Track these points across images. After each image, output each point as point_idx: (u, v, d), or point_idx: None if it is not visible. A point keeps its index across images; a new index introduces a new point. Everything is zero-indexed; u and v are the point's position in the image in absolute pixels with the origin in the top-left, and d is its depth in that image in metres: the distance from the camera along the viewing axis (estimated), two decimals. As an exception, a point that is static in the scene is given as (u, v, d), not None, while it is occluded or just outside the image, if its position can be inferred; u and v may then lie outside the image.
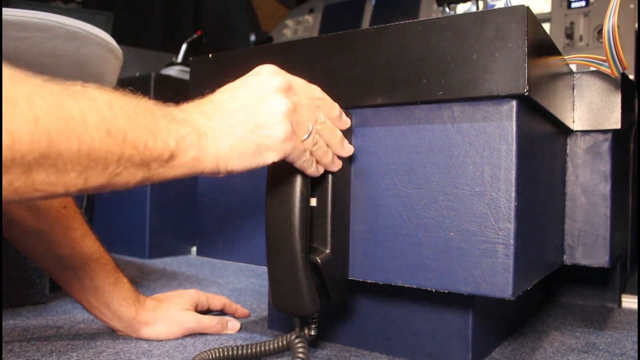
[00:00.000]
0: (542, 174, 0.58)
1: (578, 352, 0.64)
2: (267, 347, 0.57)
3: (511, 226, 0.47)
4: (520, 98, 0.47)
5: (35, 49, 0.55)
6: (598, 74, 0.68)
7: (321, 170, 0.52)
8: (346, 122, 0.54)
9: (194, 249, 1.45)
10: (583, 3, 1.22)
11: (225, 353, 0.56)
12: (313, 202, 0.53)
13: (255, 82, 0.47)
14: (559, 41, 1.21)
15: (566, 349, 0.66)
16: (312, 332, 0.57)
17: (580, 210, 0.71)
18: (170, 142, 0.40)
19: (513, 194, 0.47)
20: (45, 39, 0.55)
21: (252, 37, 1.80)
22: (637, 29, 1.13)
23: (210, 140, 0.43)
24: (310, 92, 0.49)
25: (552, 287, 0.94)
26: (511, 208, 0.47)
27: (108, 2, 1.72)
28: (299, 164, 0.48)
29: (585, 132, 0.70)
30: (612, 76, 0.66)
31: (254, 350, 0.57)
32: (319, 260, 0.52)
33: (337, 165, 0.53)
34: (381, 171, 0.54)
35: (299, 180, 0.50)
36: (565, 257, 0.71)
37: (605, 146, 0.70)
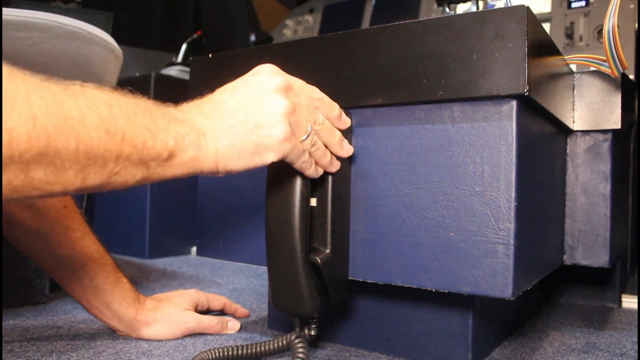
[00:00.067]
0: (542, 174, 0.58)
1: (578, 352, 0.64)
2: (267, 347, 0.57)
3: (511, 226, 0.47)
4: (520, 98, 0.47)
5: (35, 49, 0.55)
6: (598, 74, 0.68)
7: (320, 172, 0.52)
8: (346, 122, 0.54)
9: (194, 249, 1.45)
10: (583, 3, 1.22)
11: (225, 353, 0.56)
12: (313, 202, 0.53)
13: (255, 82, 0.46)
14: (559, 41, 1.21)
15: (566, 349, 0.66)
16: (312, 332, 0.57)
17: (580, 210, 0.71)
18: (169, 141, 0.40)
19: (513, 194, 0.47)
20: (45, 39, 0.55)
21: (252, 37, 1.80)
22: (637, 29, 1.13)
23: (210, 140, 0.43)
24: (309, 93, 0.49)
25: (552, 287, 0.94)
26: (511, 208, 0.47)
27: (108, 2, 1.72)
28: (297, 164, 0.48)
29: (585, 132, 0.70)
30: (612, 76, 0.66)
31: (254, 350, 0.57)
32: (319, 260, 0.52)
33: (335, 167, 0.53)
34: (381, 171, 0.54)
35: (298, 181, 0.50)
36: (565, 257, 0.71)
37: (605, 146, 0.70)
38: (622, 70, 0.64)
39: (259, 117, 0.44)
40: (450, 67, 0.49)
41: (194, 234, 1.17)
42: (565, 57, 0.66)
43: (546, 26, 1.24)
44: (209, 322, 0.68)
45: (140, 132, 0.38)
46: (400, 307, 0.61)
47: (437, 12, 1.36)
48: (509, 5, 0.50)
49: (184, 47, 1.65)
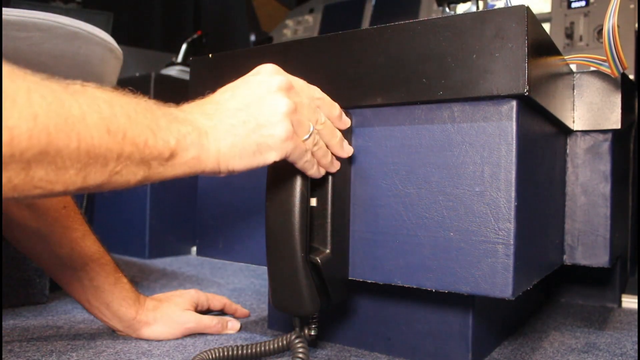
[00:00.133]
0: (542, 174, 0.58)
1: (578, 352, 0.64)
2: (267, 347, 0.57)
3: (511, 226, 0.47)
4: (520, 98, 0.47)
5: (35, 49, 0.55)
6: (598, 74, 0.68)
7: (322, 172, 0.51)
8: (346, 123, 0.54)
9: (194, 249, 1.45)
10: (583, 3, 1.22)
11: (225, 353, 0.56)
12: (313, 202, 0.53)
13: (256, 81, 0.46)
14: (559, 41, 1.21)
15: (566, 349, 0.66)
16: (312, 332, 0.57)
17: (580, 210, 0.71)
18: (170, 140, 0.40)
19: (513, 194, 0.47)
20: (45, 39, 0.55)
21: (252, 37, 1.80)
22: (637, 29, 1.13)
23: (211, 140, 0.43)
24: (310, 93, 0.49)
25: (552, 287, 0.94)
26: (511, 208, 0.47)
27: (108, 2, 1.72)
28: (300, 164, 0.48)
29: (585, 132, 0.70)
30: (612, 76, 0.66)
31: (254, 350, 0.57)
32: (319, 260, 0.52)
33: (335, 167, 0.53)
34: (381, 171, 0.54)
35: (299, 181, 0.50)
36: (565, 257, 0.71)
37: (605, 146, 0.70)
38: (622, 70, 0.64)
39: (261, 116, 0.44)
40: (450, 67, 0.49)
41: (194, 234, 1.17)
42: (565, 57, 0.66)
43: (546, 26, 1.24)
44: (209, 322, 0.68)
45: (142, 131, 0.38)
46: (400, 307, 0.61)
47: (437, 12, 1.36)
48: (509, 5, 0.50)
49: (184, 47, 1.65)
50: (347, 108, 0.55)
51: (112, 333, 0.67)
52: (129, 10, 1.91)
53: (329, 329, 0.66)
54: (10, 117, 0.30)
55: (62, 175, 0.34)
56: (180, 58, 1.64)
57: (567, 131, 0.70)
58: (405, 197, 0.52)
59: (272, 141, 0.44)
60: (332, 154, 0.52)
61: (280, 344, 0.57)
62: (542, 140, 0.58)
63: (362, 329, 0.64)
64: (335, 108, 0.52)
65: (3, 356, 0.58)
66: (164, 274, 1.16)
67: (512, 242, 0.46)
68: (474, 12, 0.48)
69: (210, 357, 0.55)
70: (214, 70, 0.65)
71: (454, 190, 0.49)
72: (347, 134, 0.54)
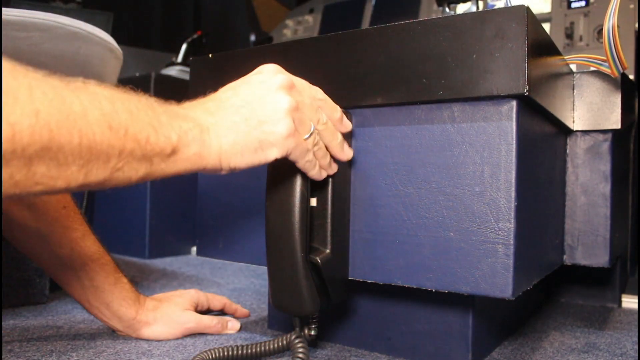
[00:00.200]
0: (542, 174, 0.58)
1: (578, 352, 0.64)
2: (267, 347, 0.57)
3: (511, 226, 0.47)
4: (520, 98, 0.47)
5: (35, 49, 0.55)
6: (598, 74, 0.68)
7: (324, 175, 0.51)
8: (347, 126, 0.53)
9: (194, 249, 1.45)
10: (583, 3, 1.22)
11: (225, 353, 0.56)
12: (313, 202, 0.53)
13: (258, 80, 0.47)
14: (559, 41, 1.21)
15: (566, 349, 0.66)
16: (312, 332, 0.57)
17: (580, 210, 0.71)
18: (172, 136, 0.40)
19: (513, 194, 0.47)
20: (45, 39, 0.55)
21: (252, 37, 1.80)
22: (637, 29, 1.13)
23: (213, 136, 0.43)
24: (312, 93, 0.49)
25: (552, 287, 0.94)
26: (511, 208, 0.47)
27: (108, 2, 1.72)
28: (301, 163, 0.48)
29: (585, 132, 0.70)
30: (612, 76, 0.66)
31: (254, 350, 0.57)
32: (319, 260, 0.52)
33: (333, 169, 0.53)
34: (381, 171, 0.54)
35: (299, 180, 0.50)
36: (565, 257, 0.71)
37: (605, 146, 0.70)
38: (622, 70, 0.64)
39: (263, 113, 0.44)
40: (450, 67, 0.49)
41: (194, 234, 1.17)
42: (565, 57, 0.66)
43: (546, 26, 1.24)
44: (209, 322, 0.68)
45: (143, 128, 0.38)
46: (400, 307, 0.61)
47: (437, 12, 1.36)
48: (509, 5, 0.50)
49: (184, 47, 1.65)
50: (347, 108, 0.55)
51: (112, 333, 0.67)
52: (129, 10, 1.91)
53: (329, 329, 0.66)
54: (12, 113, 0.30)
55: (63, 171, 0.34)
56: (180, 58, 1.64)
57: (567, 131, 0.70)
58: (405, 197, 0.52)
59: (273, 138, 0.44)
60: (332, 156, 0.52)
61: (280, 344, 0.57)
62: (542, 140, 0.58)
63: (362, 329, 0.64)
64: (337, 110, 0.52)
65: (3, 356, 0.58)
66: (164, 274, 1.16)
67: (512, 242, 0.46)
68: (474, 12, 0.48)
69: (210, 357, 0.55)
70: (214, 70, 0.65)
71: (454, 190, 0.49)
72: (347, 137, 0.54)
